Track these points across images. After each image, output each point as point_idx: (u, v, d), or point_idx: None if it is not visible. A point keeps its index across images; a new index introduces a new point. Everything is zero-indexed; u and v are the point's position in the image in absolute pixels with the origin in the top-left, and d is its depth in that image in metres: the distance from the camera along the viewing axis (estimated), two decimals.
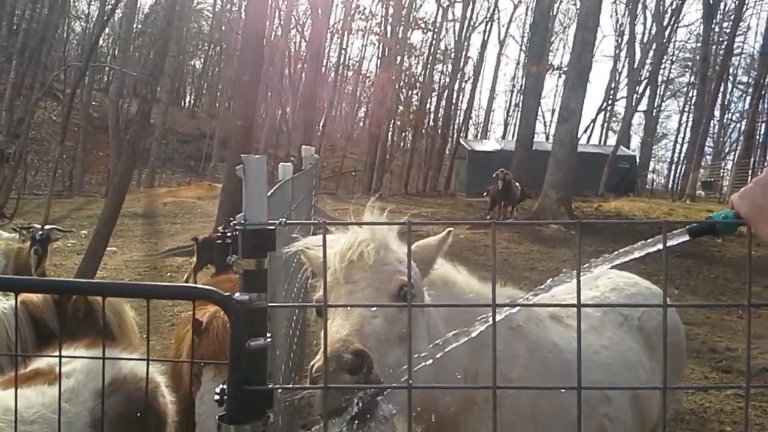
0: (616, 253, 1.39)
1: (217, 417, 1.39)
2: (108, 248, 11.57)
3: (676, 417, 6.36)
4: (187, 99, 67.07)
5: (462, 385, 1.95)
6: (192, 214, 22.15)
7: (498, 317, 1.45)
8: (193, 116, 58.53)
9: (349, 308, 1.81)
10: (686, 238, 1.38)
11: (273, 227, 1.41)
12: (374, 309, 1.87)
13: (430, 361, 1.71)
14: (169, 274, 12.41)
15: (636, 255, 1.38)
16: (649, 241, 1.37)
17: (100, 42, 42.71)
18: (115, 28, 47.13)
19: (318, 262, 2.09)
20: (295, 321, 3.05)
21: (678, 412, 6.47)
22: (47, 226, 9.52)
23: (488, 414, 2.19)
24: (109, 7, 32.75)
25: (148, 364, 1.69)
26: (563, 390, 2.18)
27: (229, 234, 1.37)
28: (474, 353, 2.23)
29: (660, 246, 1.35)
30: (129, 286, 1.71)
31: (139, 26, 53.64)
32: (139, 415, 2.73)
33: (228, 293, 1.35)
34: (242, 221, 1.39)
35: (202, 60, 65.24)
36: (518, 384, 2.34)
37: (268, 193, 1.53)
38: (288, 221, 1.46)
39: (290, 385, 1.43)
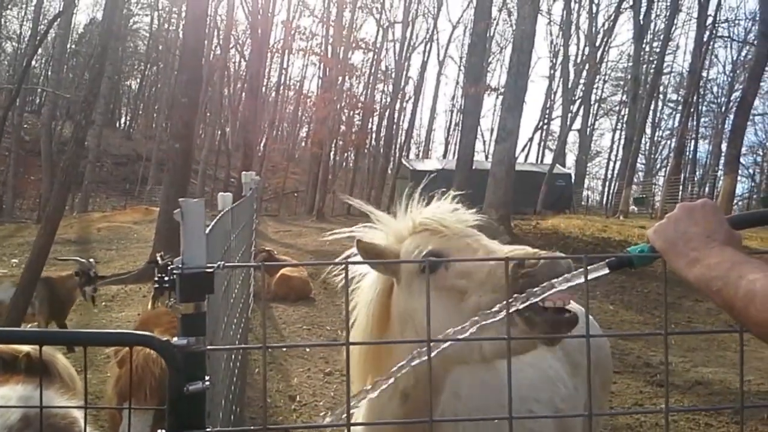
0: (540, 287, 1.47)
1: None
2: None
3: None
4: (123, 120, 65.63)
5: (403, 421, 1.99)
6: (128, 240, 21.53)
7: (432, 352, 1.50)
8: (128, 138, 57.25)
9: None
10: (606, 271, 1.47)
11: (211, 270, 1.42)
12: None
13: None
14: (104, 303, 11.88)
15: (559, 289, 1.46)
16: (570, 275, 1.46)
17: (33, 63, 41.38)
18: (48, 48, 45.72)
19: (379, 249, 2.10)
20: (234, 359, 3.03)
21: (614, 426, 6.64)
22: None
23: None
24: (42, 28, 31.82)
25: (86, 412, 1.67)
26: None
27: (166, 278, 1.38)
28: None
29: (581, 280, 1.44)
30: (68, 334, 1.69)
31: (73, 46, 52.30)
32: None
33: (166, 338, 1.36)
34: (180, 265, 1.39)
35: (138, 80, 64.01)
36: (466, 399, 2.43)
37: (207, 230, 1.55)
38: (226, 264, 1.48)
39: (229, 428, 1.43)
